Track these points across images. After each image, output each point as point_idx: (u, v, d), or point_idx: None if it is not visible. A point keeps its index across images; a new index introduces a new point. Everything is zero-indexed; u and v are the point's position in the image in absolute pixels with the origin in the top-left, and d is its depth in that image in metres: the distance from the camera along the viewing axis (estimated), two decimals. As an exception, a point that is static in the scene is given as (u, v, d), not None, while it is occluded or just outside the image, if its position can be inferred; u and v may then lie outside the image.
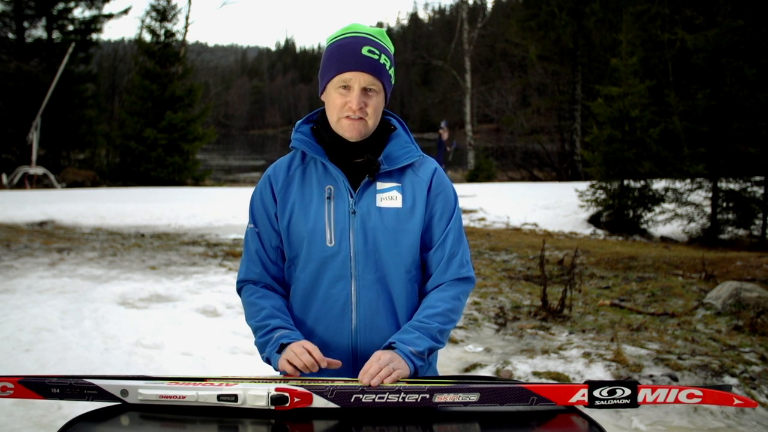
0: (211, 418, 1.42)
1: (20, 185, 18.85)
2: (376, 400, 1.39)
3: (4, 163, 20.71)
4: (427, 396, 1.39)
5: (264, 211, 1.72)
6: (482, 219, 12.57)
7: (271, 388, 1.39)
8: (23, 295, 5.66)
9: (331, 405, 1.39)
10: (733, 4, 11.92)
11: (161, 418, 1.44)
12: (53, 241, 8.78)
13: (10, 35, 23.81)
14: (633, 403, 1.41)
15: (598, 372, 4.05)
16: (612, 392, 1.41)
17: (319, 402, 1.39)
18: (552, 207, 13.60)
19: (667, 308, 5.68)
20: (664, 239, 11.73)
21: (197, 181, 22.25)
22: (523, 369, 4.13)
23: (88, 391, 1.46)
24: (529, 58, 28.82)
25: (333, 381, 1.45)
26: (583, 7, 25.29)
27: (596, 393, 1.41)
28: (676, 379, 3.93)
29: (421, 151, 1.73)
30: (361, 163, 1.67)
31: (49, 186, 19.08)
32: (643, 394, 1.40)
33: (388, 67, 1.66)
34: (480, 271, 7.32)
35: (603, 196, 12.59)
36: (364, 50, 1.62)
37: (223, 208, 12.12)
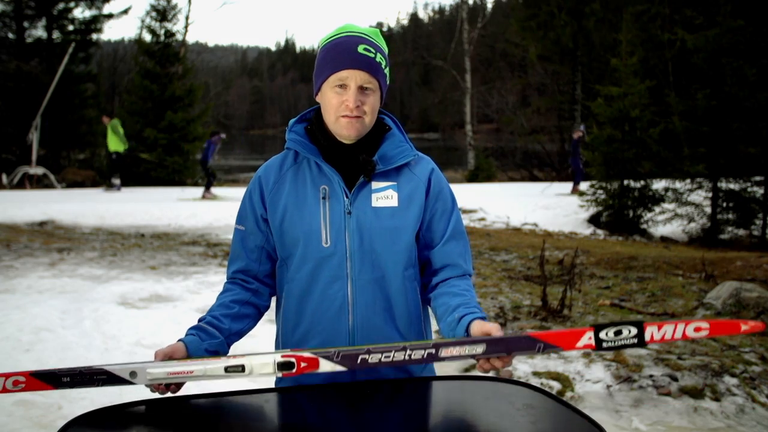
0: (212, 418, 1.42)
1: (20, 185, 18.85)
2: (383, 359, 1.38)
3: (4, 163, 20.68)
4: (433, 351, 1.39)
5: (252, 211, 1.72)
6: (482, 219, 12.57)
7: (277, 356, 1.41)
8: (23, 295, 5.67)
9: (339, 368, 1.39)
10: (733, 4, 11.91)
11: (161, 418, 1.45)
12: (53, 241, 8.79)
13: (10, 35, 23.79)
14: (641, 342, 1.37)
15: (598, 372, 4.05)
16: (618, 332, 1.37)
17: (325, 366, 1.40)
18: (552, 207, 13.60)
19: (667, 308, 5.68)
20: (664, 239, 11.73)
21: (197, 182, 22.24)
22: (523, 369, 4.12)
23: (97, 376, 1.46)
24: (529, 58, 28.87)
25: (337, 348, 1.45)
26: (583, 7, 25.30)
27: (602, 335, 1.37)
28: (676, 379, 3.93)
29: (416, 150, 1.73)
30: (356, 163, 1.66)
31: (49, 186, 19.07)
32: (649, 332, 1.36)
33: (383, 66, 1.65)
34: (480, 271, 7.32)
35: (603, 196, 12.58)
36: (360, 48, 1.61)
37: (223, 208, 12.12)
